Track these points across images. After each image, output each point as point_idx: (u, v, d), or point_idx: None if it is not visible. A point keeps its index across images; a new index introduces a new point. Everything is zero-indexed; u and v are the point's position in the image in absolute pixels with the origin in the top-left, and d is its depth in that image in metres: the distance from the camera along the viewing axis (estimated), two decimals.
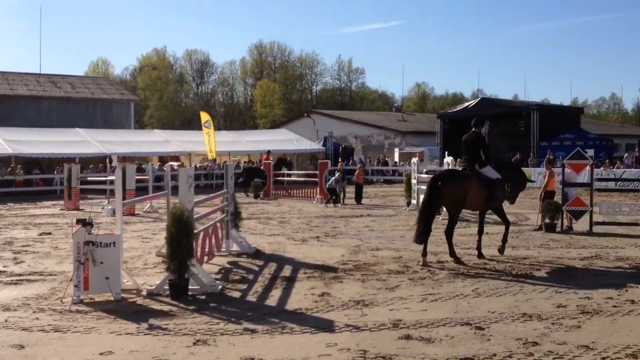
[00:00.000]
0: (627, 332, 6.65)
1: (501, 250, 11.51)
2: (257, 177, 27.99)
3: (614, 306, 7.76)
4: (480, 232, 11.66)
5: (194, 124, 69.11)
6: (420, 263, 10.66)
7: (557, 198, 15.31)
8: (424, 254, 10.80)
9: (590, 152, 15.22)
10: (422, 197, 20.20)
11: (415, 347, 6.21)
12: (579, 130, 41.12)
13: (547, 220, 14.89)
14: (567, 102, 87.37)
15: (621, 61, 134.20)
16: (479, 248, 11.46)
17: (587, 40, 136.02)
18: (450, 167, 18.59)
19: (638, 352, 5.95)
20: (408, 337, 6.50)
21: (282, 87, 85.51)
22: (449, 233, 11.13)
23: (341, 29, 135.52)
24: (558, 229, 14.77)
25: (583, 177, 16.13)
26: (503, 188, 11.72)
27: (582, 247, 12.46)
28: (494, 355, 5.93)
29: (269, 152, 34.20)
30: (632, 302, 7.97)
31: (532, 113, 39.89)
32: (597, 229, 14.49)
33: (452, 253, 11.05)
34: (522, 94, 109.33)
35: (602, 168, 30.40)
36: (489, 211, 11.95)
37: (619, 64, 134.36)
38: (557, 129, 39.51)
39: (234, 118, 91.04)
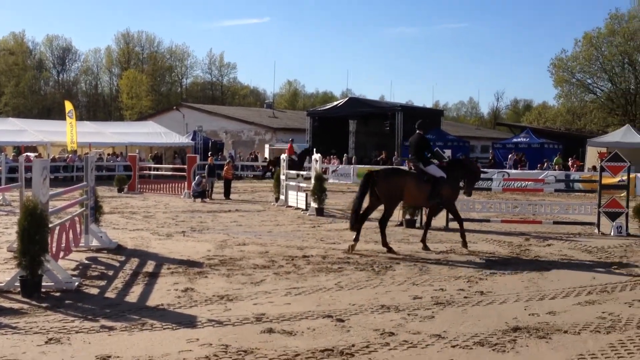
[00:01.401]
0: (476, 321, 7.08)
1: (464, 244, 12.10)
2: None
3: (465, 297, 8.23)
4: (427, 225, 12.51)
5: (53, 114, 65.66)
6: (349, 249, 11.55)
7: None
8: (356, 239, 11.65)
9: (449, 152, 16.06)
10: (290, 192, 20.51)
11: (277, 341, 6.26)
12: (439, 131, 43.22)
13: (407, 217, 15.54)
14: (429, 105, 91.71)
15: (479, 68, 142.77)
16: (423, 240, 12.16)
17: (448, 47, 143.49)
18: (318, 164, 18.91)
19: (485, 340, 6.34)
20: (270, 331, 6.55)
21: (151, 79, 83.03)
22: (382, 224, 11.83)
23: (213, 23, 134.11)
24: (417, 225, 15.44)
25: None
26: (450, 186, 12.25)
27: (438, 241, 13.09)
28: (353, 345, 6.11)
29: (292, 140, 33.57)
30: (481, 293, 8.49)
31: (397, 114, 41.48)
32: (452, 224, 15.25)
33: (384, 243, 11.74)
34: (389, 96, 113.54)
35: None
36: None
37: (477, 71, 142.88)
38: None
39: (98, 108, 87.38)
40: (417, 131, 12.52)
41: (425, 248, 11.99)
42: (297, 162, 30.79)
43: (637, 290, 8.74)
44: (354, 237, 11.68)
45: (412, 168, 12.40)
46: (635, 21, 53.28)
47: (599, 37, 53.98)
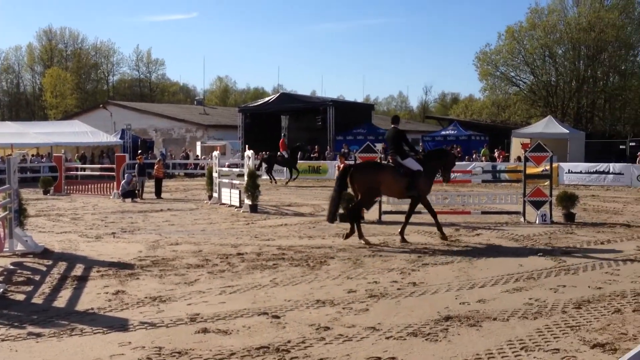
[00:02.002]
0: (409, 312, 7.21)
1: (443, 237, 12.42)
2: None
3: (398, 289, 8.36)
4: (407, 217, 12.74)
5: None
6: (363, 242, 11.87)
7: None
8: (360, 235, 11.97)
9: (380, 146, 16.35)
10: (223, 190, 20.32)
11: (212, 340, 6.21)
12: (371, 125, 43.70)
13: (341, 211, 15.61)
14: (360, 99, 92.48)
15: (407, 62, 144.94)
16: (401, 231, 12.43)
17: (378, 42, 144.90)
18: (250, 161, 18.79)
19: (418, 330, 6.46)
20: (205, 331, 6.48)
21: (75, 77, 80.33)
22: (352, 213, 12.24)
23: (138, 18, 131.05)
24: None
25: None
26: (427, 178, 12.61)
27: (372, 234, 13.23)
28: (289, 342, 6.12)
29: (284, 136, 32.96)
30: (414, 284, 8.64)
31: (328, 109, 41.65)
32: (385, 217, 15.50)
33: (348, 235, 12.05)
34: (320, 91, 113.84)
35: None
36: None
37: (406, 65, 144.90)
38: (351, 124, 41.68)
39: (20, 108, 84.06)
40: (392, 125, 12.87)
41: (403, 241, 12.24)
42: (289, 159, 30.82)
43: (562, 276, 9.09)
44: (349, 230, 12.08)
45: (391, 161, 12.67)
46: (554, 15, 55.16)
47: (521, 31, 55.57)
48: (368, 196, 12.47)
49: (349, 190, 12.70)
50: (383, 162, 13.09)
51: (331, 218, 12.36)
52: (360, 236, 12.02)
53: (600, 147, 42.90)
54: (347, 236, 12.08)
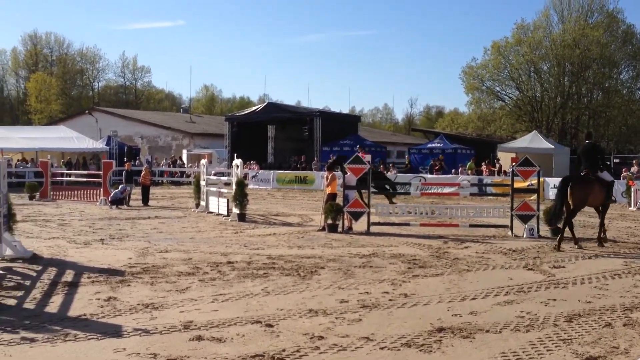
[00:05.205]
0: (402, 323, 7.24)
1: (604, 238, 13.89)
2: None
3: (390, 300, 8.40)
4: (602, 224, 13.98)
5: None
6: (576, 246, 13.21)
7: (339, 200, 16.19)
8: (575, 240, 13.41)
9: (368, 158, 16.53)
10: (211, 198, 20.30)
11: (206, 348, 6.21)
12: (357, 136, 43.84)
13: (329, 221, 15.68)
14: (345, 110, 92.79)
15: (393, 74, 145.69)
16: (599, 237, 13.77)
17: (363, 53, 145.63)
18: (239, 170, 18.77)
19: (412, 341, 6.49)
20: (199, 338, 6.48)
21: (60, 82, 79.97)
22: (566, 223, 13.37)
23: (124, 25, 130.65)
24: (340, 230, 15.62)
25: None
26: (614, 187, 14.35)
27: (361, 245, 13.29)
28: (283, 350, 6.13)
29: (359, 147, 31.81)
30: (405, 295, 8.68)
31: (315, 119, 41.78)
32: (374, 229, 15.55)
33: (574, 239, 13.44)
34: (305, 101, 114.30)
35: None
36: None
37: (391, 77, 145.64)
38: (337, 135, 41.80)
39: (4, 113, 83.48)
40: (587, 141, 14.20)
41: (601, 245, 13.50)
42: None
43: (552, 289, 9.17)
44: (572, 239, 13.41)
45: (590, 175, 13.56)
46: (539, 31, 55.91)
47: (507, 46, 56.23)
48: (579, 207, 13.49)
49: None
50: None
51: (550, 222, 14.00)
52: (576, 242, 13.37)
53: None
54: (559, 246, 13.02)
